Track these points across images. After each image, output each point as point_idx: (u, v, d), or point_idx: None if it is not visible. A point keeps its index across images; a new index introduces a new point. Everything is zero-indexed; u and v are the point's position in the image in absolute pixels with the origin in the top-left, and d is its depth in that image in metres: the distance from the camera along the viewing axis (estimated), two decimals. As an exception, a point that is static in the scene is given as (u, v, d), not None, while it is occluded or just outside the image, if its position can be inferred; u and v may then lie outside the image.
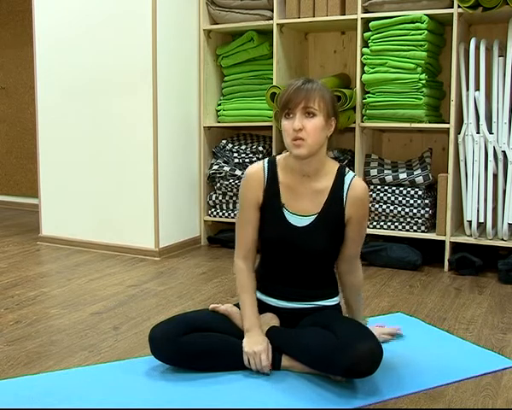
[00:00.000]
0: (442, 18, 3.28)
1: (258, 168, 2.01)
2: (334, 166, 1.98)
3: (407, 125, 3.32)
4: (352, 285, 2.04)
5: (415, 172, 3.36)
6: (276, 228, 1.97)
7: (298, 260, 1.97)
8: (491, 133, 3.13)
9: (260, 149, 3.78)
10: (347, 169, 1.98)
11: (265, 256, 2.06)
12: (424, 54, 3.20)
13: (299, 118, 1.84)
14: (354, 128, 3.45)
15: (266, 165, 2.01)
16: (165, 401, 1.75)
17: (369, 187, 3.50)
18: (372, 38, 3.33)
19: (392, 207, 3.41)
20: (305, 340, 1.88)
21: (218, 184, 3.81)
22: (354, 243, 1.99)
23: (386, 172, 3.44)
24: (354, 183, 1.94)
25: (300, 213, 1.96)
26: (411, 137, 3.78)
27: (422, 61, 3.21)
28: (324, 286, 2.02)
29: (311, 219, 1.95)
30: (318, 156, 1.92)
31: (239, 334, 1.97)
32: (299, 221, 1.96)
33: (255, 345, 1.89)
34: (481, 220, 3.19)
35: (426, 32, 3.19)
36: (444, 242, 3.30)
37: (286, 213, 1.97)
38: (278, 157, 2.03)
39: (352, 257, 2.01)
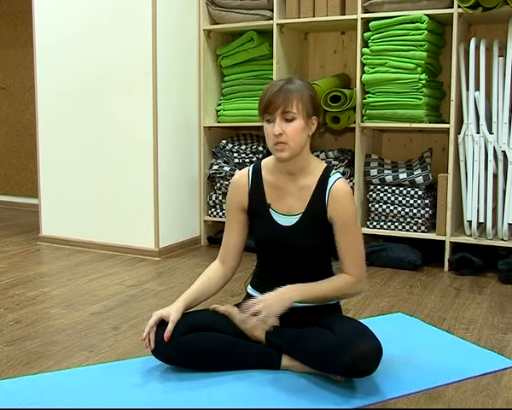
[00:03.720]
0: (442, 18, 3.28)
1: (242, 174, 2.06)
2: (320, 165, 1.99)
3: (407, 125, 3.32)
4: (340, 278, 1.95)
5: (415, 172, 3.36)
6: (264, 229, 2.00)
7: (289, 259, 1.98)
8: (491, 133, 3.13)
9: (260, 149, 3.78)
10: (334, 170, 1.99)
11: (260, 257, 2.09)
12: (424, 54, 3.20)
13: (278, 123, 1.85)
14: (354, 128, 3.45)
15: (251, 169, 2.05)
16: (165, 401, 1.75)
17: (368, 187, 3.51)
18: (372, 38, 3.33)
19: (392, 207, 3.41)
20: (304, 339, 1.88)
21: (218, 184, 3.81)
22: (341, 245, 1.93)
23: (386, 172, 3.44)
24: (336, 184, 1.93)
25: (287, 212, 1.98)
26: (411, 137, 3.78)
27: (422, 61, 3.21)
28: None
29: (297, 218, 1.96)
30: (302, 155, 1.93)
31: (239, 334, 1.98)
32: (286, 221, 1.97)
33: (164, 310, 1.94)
34: (481, 220, 3.19)
35: (426, 32, 3.19)
36: (444, 242, 3.30)
37: (273, 213, 1.99)
38: (264, 160, 2.07)
39: (345, 265, 1.94)
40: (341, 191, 1.93)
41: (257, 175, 2.03)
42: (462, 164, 3.22)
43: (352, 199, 1.97)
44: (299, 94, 1.87)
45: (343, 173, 3.47)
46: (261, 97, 1.90)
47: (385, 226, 3.46)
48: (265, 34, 3.69)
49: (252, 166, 2.07)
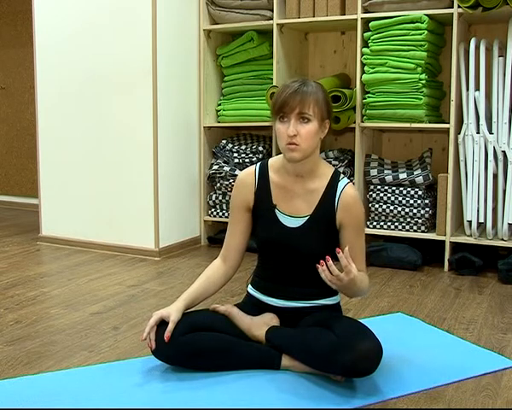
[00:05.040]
0: (442, 18, 3.28)
1: (248, 172, 2.05)
2: (328, 168, 2.00)
3: (407, 125, 3.32)
4: None
5: (415, 172, 3.36)
6: (269, 229, 2.00)
7: (292, 260, 1.98)
8: (491, 133, 3.13)
9: (260, 149, 3.78)
10: (342, 175, 2.00)
11: (262, 257, 2.09)
12: (424, 54, 3.20)
13: (293, 124, 1.85)
14: (354, 128, 3.45)
15: (258, 168, 2.05)
16: (165, 401, 1.75)
17: (368, 187, 3.51)
18: (372, 38, 3.33)
19: (392, 207, 3.41)
20: (305, 339, 1.88)
21: (218, 184, 3.81)
22: (352, 248, 1.93)
23: (386, 172, 3.44)
24: (346, 190, 1.95)
25: (293, 214, 1.98)
26: (411, 137, 3.78)
27: (422, 61, 3.21)
28: (322, 285, 2.02)
29: (304, 220, 1.96)
30: (312, 158, 1.94)
31: (239, 334, 1.98)
32: (292, 222, 1.97)
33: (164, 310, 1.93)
34: (481, 220, 3.19)
35: (426, 32, 3.19)
36: (444, 242, 3.30)
37: (278, 214, 1.99)
38: (271, 160, 2.06)
39: (364, 267, 1.98)
40: (352, 197, 1.95)
41: (263, 174, 2.02)
42: (462, 164, 3.22)
43: (361, 203, 1.99)
44: (316, 97, 1.87)
45: (343, 173, 3.47)
46: (276, 97, 1.89)
47: (385, 226, 3.46)
48: (265, 34, 3.69)
49: (258, 164, 2.06)
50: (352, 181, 3.44)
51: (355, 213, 1.94)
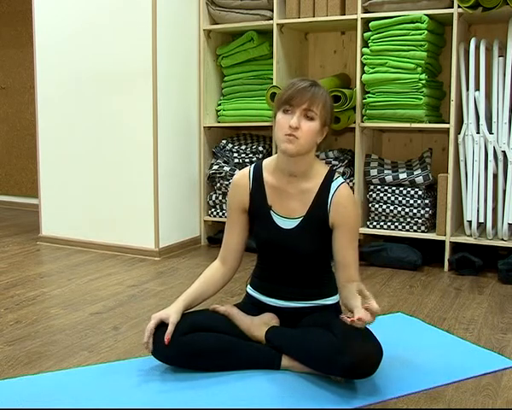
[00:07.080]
0: (442, 18, 3.28)
1: (243, 174, 2.05)
2: (323, 168, 2.00)
3: (407, 125, 3.32)
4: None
5: (415, 172, 3.36)
6: (265, 230, 2.00)
7: (289, 260, 1.99)
8: (491, 133, 3.13)
9: (260, 149, 3.78)
10: (337, 174, 1.99)
11: (261, 257, 2.09)
12: (424, 54, 3.20)
13: (298, 117, 1.85)
14: (354, 128, 3.45)
15: (252, 169, 2.05)
16: (165, 401, 1.75)
17: (368, 187, 3.50)
18: (372, 38, 3.33)
19: (392, 207, 3.41)
20: (305, 340, 1.88)
21: (218, 184, 3.81)
22: (345, 252, 1.94)
23: (386, 172, 3.44)
24: (339, 190, 1.94)
25: (287, 215, 1.97)
26: (411, 137, 3.78)
27: (422, 61, 3.21)
28: (321, 285, 2.03)
29: (298, 221, 1.96)
30: (306, 159, 1.93)
31: (239, 334, 1.98)
32: (286, 223, 1.97)
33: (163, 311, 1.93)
34: (481, 220, 3.19)
35: (426, 32, 3.19)
36: (444, 242, 3.30)
37: (273, 215, 1.99)
38: (265, 161, 2.06)
39: (349, 274, 1.94)
40: (345, 198, 1.93)
41: (258, 176, 2.03)
42: (462, 164, 3.22)
43: (356, 205, 1.97)
44: (324, 100, 1.88)
45: (343, 173, 3.47)
46: (284, 90, 1.89)
47: (385, 226, 3.46)
48: (265, 34, 3.69)
49: (252, 166, 2.06)
50: (352, 181, 3.47)
51: (348, 213, 1.93)
